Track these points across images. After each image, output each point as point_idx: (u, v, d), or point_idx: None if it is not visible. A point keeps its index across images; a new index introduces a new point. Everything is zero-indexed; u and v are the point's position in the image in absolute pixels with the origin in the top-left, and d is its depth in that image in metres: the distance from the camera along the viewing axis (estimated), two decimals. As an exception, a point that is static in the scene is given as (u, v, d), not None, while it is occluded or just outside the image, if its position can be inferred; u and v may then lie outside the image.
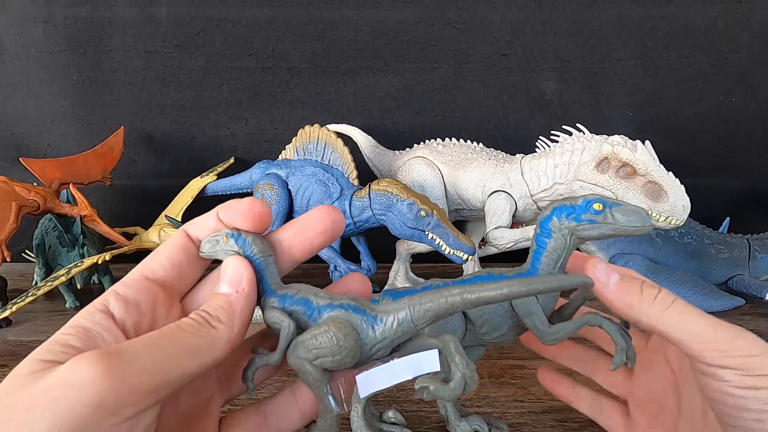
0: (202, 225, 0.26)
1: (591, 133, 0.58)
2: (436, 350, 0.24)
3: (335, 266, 0.65)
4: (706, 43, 0.82)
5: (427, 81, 0.84)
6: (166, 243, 0.26)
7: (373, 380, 0.24)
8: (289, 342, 0.24)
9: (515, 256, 0.76)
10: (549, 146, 0.62)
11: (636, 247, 0.68)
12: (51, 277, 0.59)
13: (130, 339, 0.22)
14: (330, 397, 0.24)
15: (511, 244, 0.61)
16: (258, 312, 0.26)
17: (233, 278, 0.25)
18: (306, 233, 0.26)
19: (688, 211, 0.54)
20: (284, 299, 0.25)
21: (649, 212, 0.54)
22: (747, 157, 0.86)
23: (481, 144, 0.68)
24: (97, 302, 0.23)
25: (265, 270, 0.26)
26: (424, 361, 0.24)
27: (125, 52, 0.82)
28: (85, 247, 0.63)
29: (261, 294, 0.26)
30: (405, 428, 0.39)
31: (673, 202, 0.53)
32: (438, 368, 0.23)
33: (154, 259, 0.26)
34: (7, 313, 0.53)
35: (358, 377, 0.24)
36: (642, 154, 0.54)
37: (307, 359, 0.24)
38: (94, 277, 0.70)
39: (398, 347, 0.25)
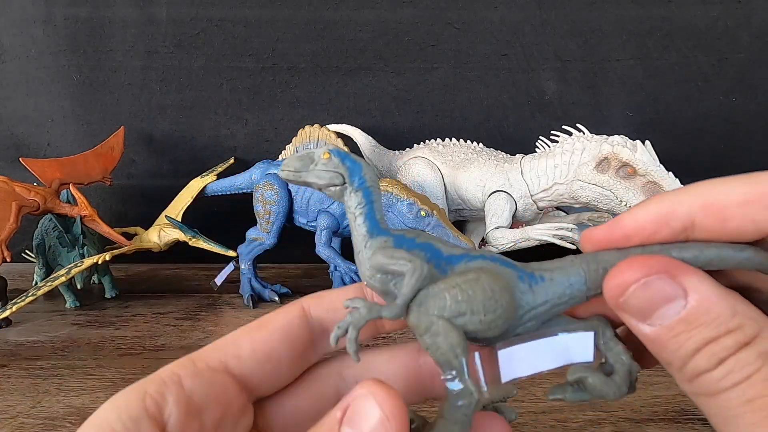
0: (330, 304, 0.19)
1: (591, 133, 0.58)
2: (592, 333, 0.18)
3: (335, 266, 0.65)
4: (706, 43, 0.82)
5: (427, 81, 0.84)
6: (270, 319, 0.19)
7: (517, 361, 0.18)
8: (416, 290, 0.18)
9: (515, 256, 0.76)
10: (549, 146, 0.62)
11: (636, 247, 0.68)
12: (51, 277, 0.59)
13: None
14: (466, 374, 0.17)
15: (511, 244, 0.61)
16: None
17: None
18: None
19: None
20: (401, 240, 0.19)
21: None
22: (747, 157, 0.86)
23: (481, 144, 0.68)
24: (149, 394, 0.16)
25: (375, 203, 0.20)
26: (574, 347, 0.18)
27: (125, 52, 0.82)
28: (85, 247, 0.63)
29: (360, 231, 0.20)
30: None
31: (673, 202, 0.53)
32: (591, 358, 0.18)
33: (248, 342, 0.18)
34: (7, 313, 0.53)
35: (500, 353, 0.18)
36: (642, 154, 0.54)
37: (443, 317, 0.17)
38: (94, 277, 0.70)
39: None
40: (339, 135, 0.64)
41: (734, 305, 0.15)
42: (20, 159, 0.67)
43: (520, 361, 0.18)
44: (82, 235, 0.64)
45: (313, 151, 0.20)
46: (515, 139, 0.84)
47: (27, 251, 0.74)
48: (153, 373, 0.16)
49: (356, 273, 0.62)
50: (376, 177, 0.20)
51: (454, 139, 0.69)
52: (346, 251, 0.69)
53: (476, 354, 0.18)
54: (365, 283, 0.19)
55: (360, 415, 0.15)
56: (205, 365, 0.17)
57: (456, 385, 0.17)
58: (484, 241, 0.70)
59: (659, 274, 0.15)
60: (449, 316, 0.17)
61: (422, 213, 0.56)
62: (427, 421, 0.19)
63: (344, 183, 0.20)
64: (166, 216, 0.70)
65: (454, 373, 0.17)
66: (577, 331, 0.18)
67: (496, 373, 0.18)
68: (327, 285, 0.67)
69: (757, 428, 0.14)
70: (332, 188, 0.20)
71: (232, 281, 0.67)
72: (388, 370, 0.19)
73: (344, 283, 0.65)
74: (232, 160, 0.83)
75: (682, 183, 0.54)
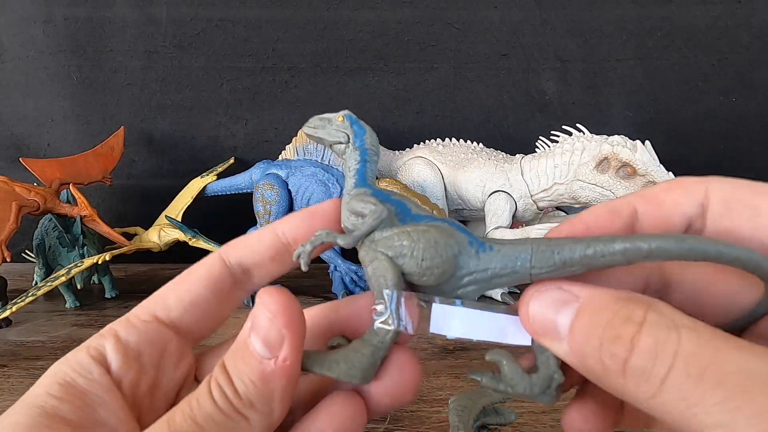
0: (246, 248, 0.21)
1: (591, 133, 0.58)
2: None
3: (335, 266, 0.65)
4: (706, 43, 0.82)
5: (427, 81, 0.84)
6: (191, 270, 0.20)
7: (449, 319, 0.19)
8: (372, 228, 0.20)
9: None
10: (549, 146, 0.62)
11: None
12: (51, 277, 0.59)
13: None
14: (393, 305, 0.19)
15: (511, 244, 0.61)
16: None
17: (270, 338, 0.17)
18: (317, 226, 0.20)
19: (688, 211, 0.54)
20: (378, 193, 0.21)
21: None
22: (747, 157, 0.86)
23: (481, 144, 0.68)
24: (92, 346, 0.18)
25: (368, 163, 0.22)
26: (512, 329, 0.19)
27: (125, 52, 0.82)
28: (85, 247, 0.63)
29: (350, 184, 0.22)
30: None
31: (673, 202, 0.53)
32: (527, 342, 0.19)
33: (172, 292, 0.20)
34: (7, 313, 0.53)
35: (436, 305, 0.19)
36: (642, 154, 0.54)
37: (387, 254, 0.19)
38: (94, 277, 0.70)
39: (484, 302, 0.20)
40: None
41: (617, 294, 0.16)
42: (20, 159, 0.67)
43: (454, 320, 0.20)
44: (82, 235, 0.64)
45: (332, 115, 0.23)
46: (515, 139, 0.84)
47: (27, 251, 0.74)
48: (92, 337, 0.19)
49: (356, 273, 0.62)
50: (377, 143, 0.23)
51: (454, 139, 0.69)
52: (346, 251, 0.69)
53: (434, 302, 0.20)
54: (342, 224, 0.21)
55: (257, 320, 0.17)
56: (137, 318, 0.19)
57: (381, 315, 0.19)
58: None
59: (550, 286, 0.17)
60: (392, 255, 0.19)
61: (422, 213, 0.56)
62: (349, 341, 0.20)
63: (348, 142, 0.23)
64: (166, 216, 0.70)
65: (382, 303, 0.19)
66: (507, 314, 0.20)
67: (426, 320, 0.20)
68: (327, 285, 0.67)
69: (726, 406, 0.12)
70: (338, 146, 0.23)
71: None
72: (311, 309, 0.21)
73: (344, 283, 0.65)
74: (232, 160, 0.83)
75: (682, 183, 0.54)
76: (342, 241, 0.20)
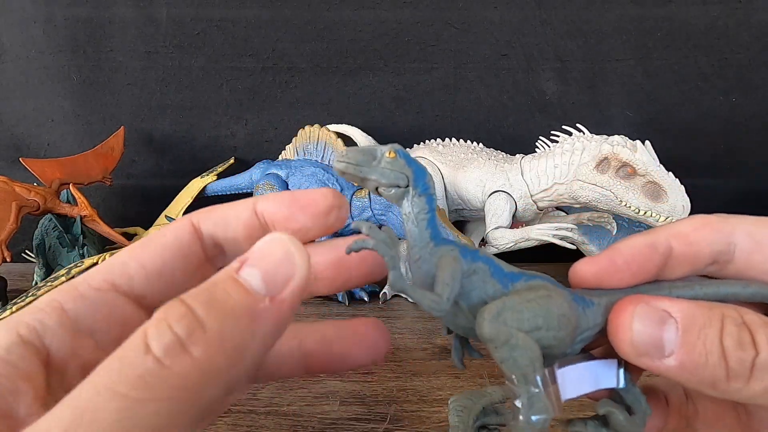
0: (221, 220, 0.19)
1: (591, 133, 0.58)
2: (616, 360, 0.19)
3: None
4: (706, 43, 0.82)
5: (427, 81, 0.84)
6: (157, 235, 0.17)
7: (568, 381, 0.18)
8: (455, 292, 0.18)
9: (515, 256, 0.76)
10: (549, 146, 0.62)
11: (636, 247, 0.68)
12: (51, 277, 0.59)
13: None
14: (543, 390, 0.17)
15: (511, 245, 0.61)
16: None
17: (276, 270, 0.15)
18: (301, 216, 0.18)
19: (688, 211, 0.54)
20: (465, 251, 0.19)
21: (649, 212, 0.54)
22: (747, 157, 0.86)
23: (481, 144, 0.68)
24: (24, 322, 0.15)
25: (435, 210, 0.20)
26: (600, 371, 0.19)
27: (125, 52, 0.82)
28: (85, 247, 0.63)
29: (423, 237, 0.19)
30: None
31: (673, 202, 0.53)
32: (613, 384, 0.19)
33: (133, 259, 0.17)
34: (7, 313, 0.53)
35: (559, 371, 0.18)
36: (642, 154, 0.54)
37: (522, 329, 0.17)
38: (94, 277, 0.70)
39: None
40: (339, 135, 0.64)
41: (705, 304, 0.17)
42: (20, 159, 0.67)
43: (570, 382, 0.19)
44: (82, 235, 0.64)
45: (376, 148, 0.19)
46: (515, 139, 0.84)
47: (27, 251, 0.74)
48: (28, 306, 0.16)
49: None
50: (436, 184, 0.21)
51: (454, 139, 0.69)
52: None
53: (556, 369, 0.18)
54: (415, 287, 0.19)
55: (263, 254, 0.15)
56: (88, 286, 0.16)
57: (529, 400, 0.17)
58: (484, 241, 0.70)
59: (640, 307, 0.18)
60: (527, 330, 0.17)
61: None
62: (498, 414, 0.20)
63: (407, 186, 0.19)
64: (166, 216, 0.70)
65: (530, 388, 0.17)
66: (603, 359, 0.19)
67: (558, 391, 0.18)
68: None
69: None
70: (393, 189, 0.19)
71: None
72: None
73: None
74: (232, 160, 0.83)
75: (682, 183, 0.54)
76: (432, 306, 0.18)
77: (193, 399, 0.12)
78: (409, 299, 0.19)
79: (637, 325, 0.17)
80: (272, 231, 0.17)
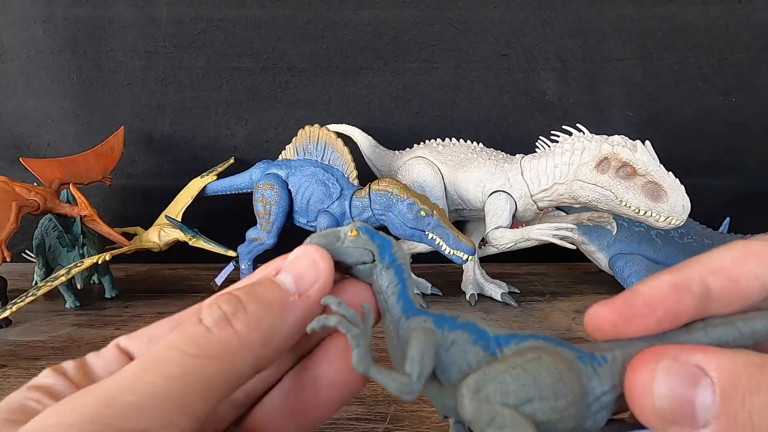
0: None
1: (591, 133, 0.58)
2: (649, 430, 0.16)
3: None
4: (706, 43, 0.82)
5: (427, 81, 0.84)
6: (175, 315, 0.19)
7: None
8: (430, 368, 0.16)
9: (515, 256, 0.76)
10: (549, 146, 0.62)
11: (636, 248, 0.68)
12: (51, 277, 0.59)
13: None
14: None
15: (511, 244, 0.61)
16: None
17: (304, 276, 0.18)
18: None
19: (688, 211, 0.53)
20: (441, 320, 0.18)
21: (649, 212, 0.54)
22: (747, 157, 0.86)
23: (481, 144, 0.68)
24: (57, 366, 0.17)
25: (407, 280, 0.19)
26: None
27: (125, 52, 0.82)
28: (85, 247, 0.63)
29: (395, 312, 0.19)
30: None
31: (673, 202, 0.53)
32: None
33: (148, 328, 0.19)
34: (7, 313, 0.53)
35: None
36: (642, 154, 0.54)
37: (508, 404, 0.15)
38: (94, 277, 0.70)
39: None
40: (339, 135, 0.64)
41: (747, 359, 0.14)
42: (20, 159, 0.67)
43: None
44: (82, 235, 0.64)
45: (339, 229, 0.20)
46: (515, 139, 0.84)
47: (27, 251, 0.74)
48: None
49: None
50: (405, 253, 0.20)
51: (454, 139, 0.69)
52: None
53: None
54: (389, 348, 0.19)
55: (293, 263, 0.19)
56: (105, 348, 0.19)
57: None
58: (484, 241, 0.70)
59: (665, 361, 0.14)
60: (515, 404, 0.15)
61: (422, 213, 0.56)
62: None
63: (374, 261, 0.19)
64: (166, 216, 0.70)
65: None
66: (634, 429, 0.16)
67: None
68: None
69: None
70: (360, 266, 0.20)
71: (233, 281, 0.67)
72: None
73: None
74: (232, 160, 0.83)
75: (682, 183, 0.54)
76: (401, 390, 0.16)
77: (231, 363, 0.16)
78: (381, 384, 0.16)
79: (660, 387, 0.14)
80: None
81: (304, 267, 0.18)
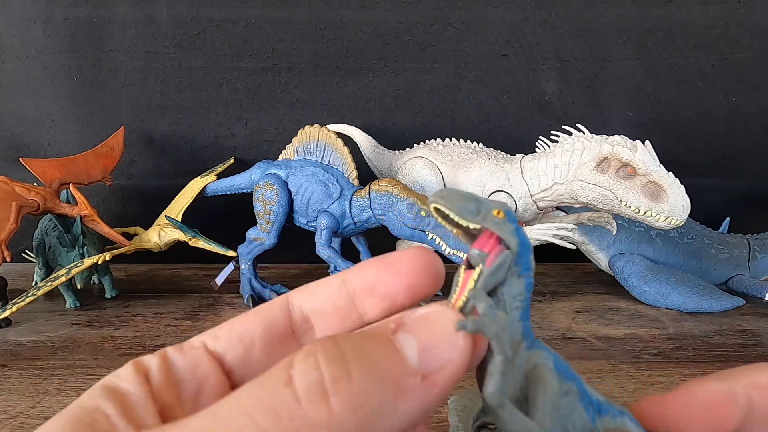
0: (309, 292, 0.18)
1: (591, 133, 0.58)
2: None
3: (335, 266, 0.65)
4: (706, 43, 0.82)
5: (427, 81, 0.84)
6: (256, 309, 0.18)
7: None
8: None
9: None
10: (549, 146, 0.62)
11: (636, 247, 0.68)
12: (51, 277, 0.59)
13: None
14: None
15: (511, 244, 0.61)
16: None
17: (435, 349, 0.14)
18: (390, 279, 0.17)
19: (688, 211, 0.54)
20: (558, 363, 0.16)
21: (649, 212, 0.54)
22: (747, 157, 0.86)
23: (481, 144, 0.68)
24: (139, 360, 0.16)
25: (530, 298, 0.17)
26: None
27: (125, 52, 0.82)
28: (85, 247, 0.63)
29: (513, 331, 0.16)
30: None
31: (673, 202, 0.53)
32: None
33: (228, 324, 0.18)
34: (7, 313, 0.53)
35: None
36: (642, 154, 0.54)
37: None
38: (94, 277, 0.70)
39: None
40: (339, 135, 0.64)
41: None
42: (20, 159, 0.66)
43: None
44: (82, 235, 0.64)
45: (481, 200, 0.16)
46: (515, 139, 0.84)
47: (27, 251, 0.74)
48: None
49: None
50: None
51: (454, 139, 0.69)
52: (346, 251, 0.69)
53: None
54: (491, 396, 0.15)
55: (424, 324, 0.14)
56: (189, 345, 0.17)
57: None
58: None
59: None
60: None
61: (422, 213, 0.56)
62: None
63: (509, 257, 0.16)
64: (166, 216, 0.70)
65: None
66: None
67: None
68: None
69: None
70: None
71: (232, 281, 0.67)
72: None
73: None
74: (232, 160, 0.83)
75: (682, 183, 0.54)
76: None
77: None
78: (500, 420, 0.15)
79: None
80: (357, 299, 0.17)
81: (437, 336, 0.14)
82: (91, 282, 0.71)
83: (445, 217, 0.16)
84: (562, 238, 0.59)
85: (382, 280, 0.17)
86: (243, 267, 0.65)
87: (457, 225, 0.16)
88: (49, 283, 0.57)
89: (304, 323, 0.18)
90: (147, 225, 0.71)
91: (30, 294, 0.55)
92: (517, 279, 0.16)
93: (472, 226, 0.16)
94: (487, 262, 0.15)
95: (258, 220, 0.65)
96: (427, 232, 0.56)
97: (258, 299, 0.64)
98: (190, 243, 0.67)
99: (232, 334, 0.17)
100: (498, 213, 0.16)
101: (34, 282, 0.70)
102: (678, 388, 0.17)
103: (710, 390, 0.17)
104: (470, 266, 0.16)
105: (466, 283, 0.16)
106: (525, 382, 0.16)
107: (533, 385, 0.16)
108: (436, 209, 0.16)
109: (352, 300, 0.17)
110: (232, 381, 0.17)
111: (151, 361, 0.16)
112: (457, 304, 0.15)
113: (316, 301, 0.18)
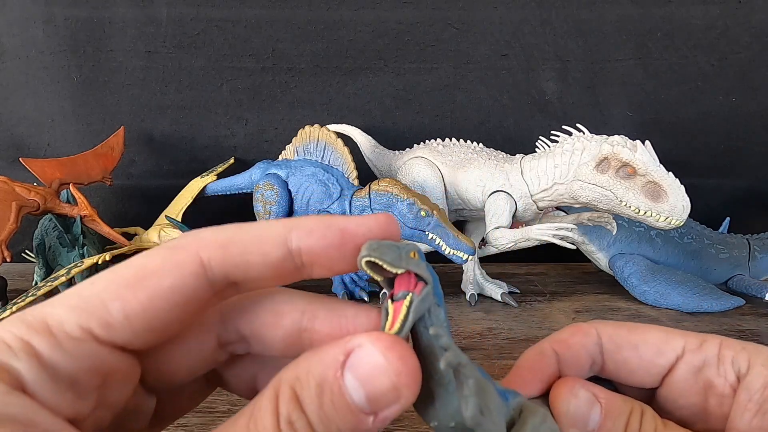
0: (241, 258, 0.16)
1: (591, 133, 0.58)
2: None
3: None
4: (706, 43, 0.82)
5: (427, 81, 0.84)
6: (151, 274, 0.15)
7: None
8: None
9: (515, 256, 0.76)
10: (549, 146, 0.62)
11: (636, 248, 0.68)
12: (51, 277, 0.59)
13: None
14: None
15: (511, 244, 0.61)
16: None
17: (378, 393, 0.14)
18: (345, 251, 0.17)
19: (688, 211, 0.54)
20: (499, 391, 0.19)
21: (649, 212, 0.54)
22: (747, 157, 0.86)
23: (481, 144, 0.68)
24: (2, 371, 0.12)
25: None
26: None
27: (125, 52, 0.82)
28: (85, 247, 0.63)
29: (439, 353, 0.17)
30: None
31: (673, 202, 0.53)
32: None
33: (117, 301, 0.14)
34: (7, 313, 0.53)
35: None
36: (642, 154, 0.54)
37: None
38: (94, 277, 0.70)
39: None
40: (339, 135, 0.64)
41: (622, 398, 0.21)
42: (20, 159, 0.67)
43: None
44: (82, 235, 0.64)
45: (399, 246, 0.17)
46: (515, 139, 0.84)
47: (27, 251, 0.74)
48: None
49: (356, 273, 0.62)
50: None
51: (454, 139, 0.69)
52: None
53: None
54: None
55: (362, 362, 0.14)
56: (66, 335, 0.14)
57: None
58: (484, 241, 0.70)
59: (579, 389, 0.20)
60: None
61: (422, 213, 0.56)
62: None
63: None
64: (166, 216, 0.70)
65: None
66: None
67: None
68: (327, 285, 0.67)
69: None
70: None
71: (232, 281, 0.67)
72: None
73: (344, 283, 0.65)
74: (232, 160, 0.83)
75: (682, 183, 0.54)
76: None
77: None
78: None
79: (573, 401, 0.20)
80: (306, 270, 0.17)
81: (376, 376, 0.14)
82: (91, 282, 0.71)
83: (375, 267, 0.17)
84: (562, 238, 0.59)
85: (342, 256, 0.17)
86: (243, 267, 0.65)
87: (385, 272, 0.17)
88: (49, 283, 0.57)
89: (229, 288, 0.16)
90: (147, 225, 0.71)
91: (30, 294, 0.55)
92: (437, 308, 0.18)
93: (399, 271, 0.17)
94: (416, 291, 0.17)
95: (258, 220, 0.65)
96: (426, 232, 0.56)
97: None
98: (190, 243, 0.67)
99: (133, 323, 0.14)
100: (414, 255, 0.18)
101: (34, 282, 0.70)
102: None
103: (527, 356, 0.22)
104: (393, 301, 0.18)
105: (398, 310, 0.17)
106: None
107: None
108: (368, 263, 0.17)
109: (297, 269, 0.17)
110: (133, 354, 0.15)
111: (19, 368, 0.13)
112: (394, 329, 0.16)
113: (250, 271, 0.16)
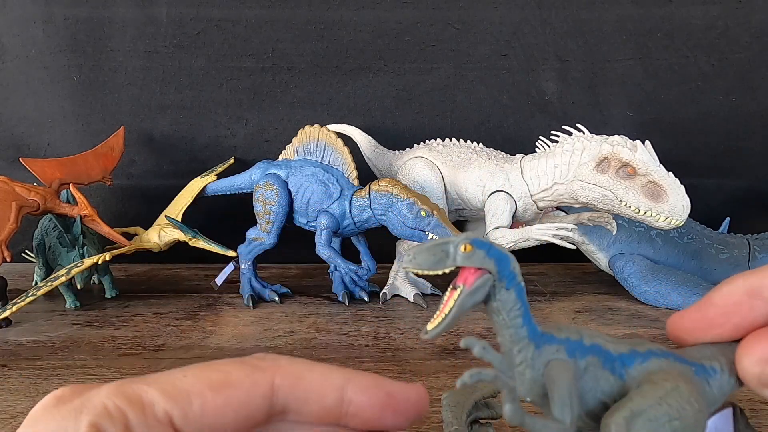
0: (303, 392, 0.18)
1: (591, 133, 0.58)
2: (731, 409, 0.19)
3: (335, 266, 0.65)
4: (706, 43, 0.82)
5: (427, 81, 0.84)
6: (231, 384, 0.17)
7: None
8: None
9: (515, 256, 0.76)
10: (549, 146, 0.62)
11: (636, 248, 0.68)
12: (51, 277, 0.59)
13: None
14: None
15: (511, 244, 0.61)
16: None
17: None
18: (394, 413, 0.18)
19: (688, 211, 0.53)
20: (571, 347, 0.18)
21: (649, 212, 0.54)
22: (747, 157, 0.86)
23: (481, 144, 0.68)
24: (90, 419, 0.15)
25: (527, 301, 0.18)
26: (720, 428, 0.18)
27: (125, 52, 0.82)
28: (85, 247, 0.63)
29: (519, 339, 0.17)
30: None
31: (673, 202, 0.53)
32: None
33: (199, 398, 0.16)
34: (7, 313, 0.53)
35: None
36: (642, 154, 0.54)
37: None
38: (94, 277, 0.70)
39: None
40: (339, 135, 0.64)
41: None
42: (20, 159, 0.67)
43: None
44: (82, 235, 0.64)
45: (448, 241, 0.17)
46: (515, 139, 0.84)
47: (27, 251, 0.74)
48: (90, 396, 0.16)
49: (356, 273, 0.62)
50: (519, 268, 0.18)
51: (454, 139, 0.69)
52: (346, 251, 0.69)
53: None
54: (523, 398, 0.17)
55: None
56: (154, 415, 0.16)
57: None
58: (484, 241, 0.70)
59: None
60: None
61: (422, 213, 0.56)
62: None
63: (492, 281, 0.17)
64: (166, 216, 0.70)
65: None
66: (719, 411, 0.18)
67: None
68: (327, 285, 0.67)
69: None
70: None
71: (232, 281, 0.67)
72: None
73: (344, 283, 0.65)
74: (232, 160, 0.83)
75: (682, 183, 0.54)
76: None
77: None
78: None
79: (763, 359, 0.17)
80: (347, 409, 0.17)
81: None
82: (91, 282, 0.71)
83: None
84: (562, 238, 0.59)
85: (384, 419, 0.17)
86: (243, 267, 0.65)
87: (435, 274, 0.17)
88: (49, 283, 0.57)
89: (281, 413, 0.18)
90: (147, 225, 0.71)
91: (30, 294, 0.55)
92: (506, 292, 0.18)
93: (448, 270, 0.17)
94: (467, 284, 0.17)
95: (258, 220, 0.65)
96: (426, 232, 0.56)
97: (258, 299, 0.64)
98: (190, 243, 0.67)
99: (203, 420, 0.16)
100: (465, 248, 0.17)
101: (34, 282, 0.70)
102: (699, 300, 0.18)
103: (729, 291, 0.18)
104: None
105: (447, 302, 0.17)
106: (545, 380, 0.17)
107: (548, 383, 0.17)
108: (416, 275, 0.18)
109: (341, 407, 0.17)
110: None
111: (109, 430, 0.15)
112: (436, 321, 0.17)
113: (304, 407, 0.17)
